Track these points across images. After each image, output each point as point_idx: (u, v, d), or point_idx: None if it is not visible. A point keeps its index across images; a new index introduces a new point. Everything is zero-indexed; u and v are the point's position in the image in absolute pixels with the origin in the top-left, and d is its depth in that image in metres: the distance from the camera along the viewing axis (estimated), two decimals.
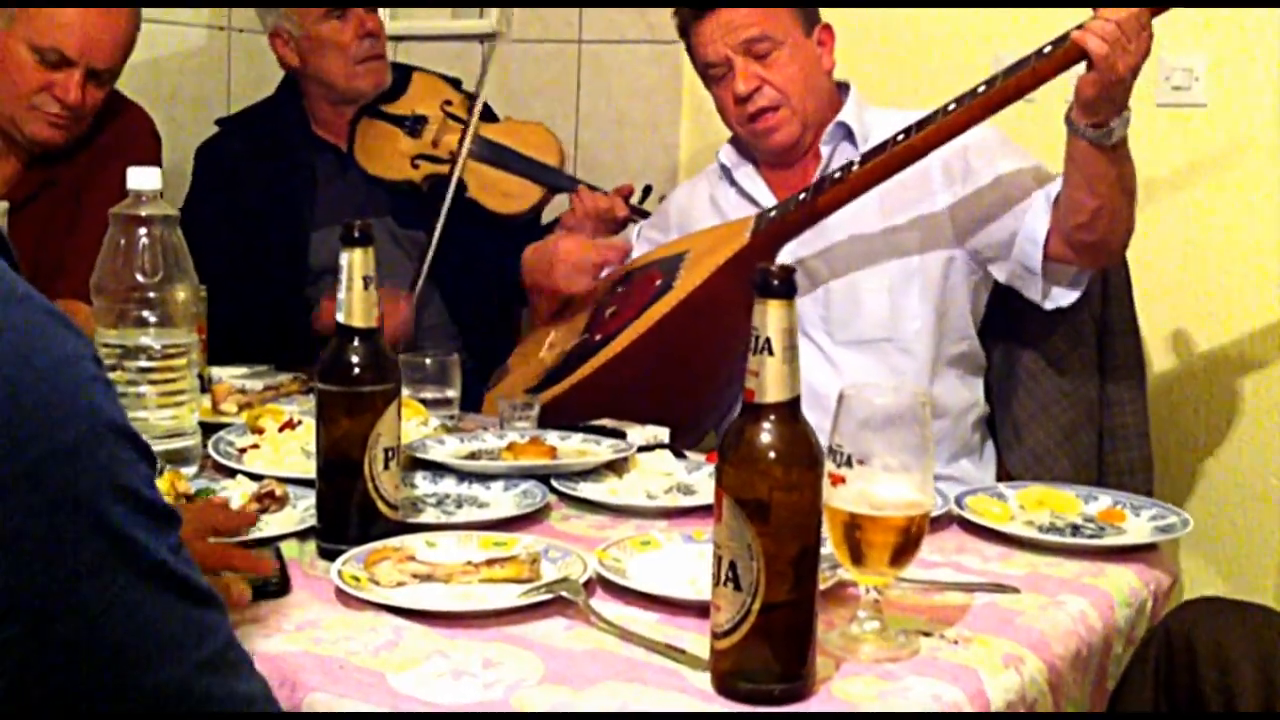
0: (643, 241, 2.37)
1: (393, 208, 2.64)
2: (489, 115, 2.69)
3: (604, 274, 2.29)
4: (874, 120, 2.13)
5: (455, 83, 2.78)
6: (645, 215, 2.49)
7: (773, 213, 2.04)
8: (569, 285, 2.28)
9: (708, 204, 2.27)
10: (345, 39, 2.56)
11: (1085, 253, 1.93)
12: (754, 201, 2.18)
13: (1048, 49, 1.77)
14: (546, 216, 2.68)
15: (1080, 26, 1.73)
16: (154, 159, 2.40)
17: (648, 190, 2.59)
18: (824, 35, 2.14)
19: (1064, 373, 2.10)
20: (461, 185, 2.58)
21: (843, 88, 2.19)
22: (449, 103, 2.70)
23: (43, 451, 0.75)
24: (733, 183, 2.23)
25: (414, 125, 2.66)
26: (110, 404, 0.80)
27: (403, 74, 2.72)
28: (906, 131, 1.89)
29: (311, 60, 2.59)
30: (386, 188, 2.63)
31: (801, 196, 1.99)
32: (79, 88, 2.23)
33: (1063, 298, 1.99)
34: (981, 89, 1.82)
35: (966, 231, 2.04)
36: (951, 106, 1.85)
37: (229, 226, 2.52)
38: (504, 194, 2.61)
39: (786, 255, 2.05)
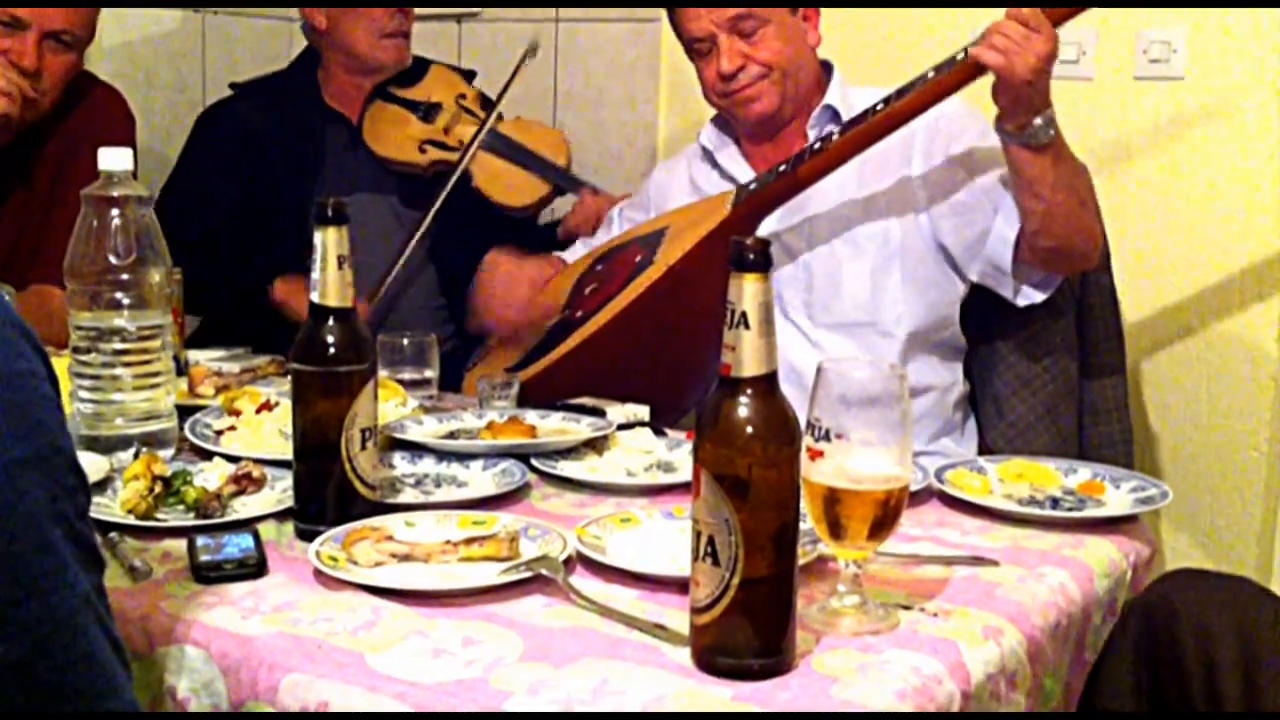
0: (623, 221, 2.36)
1: (399, 186, 2.64)
2: (499, 116, 2.70)
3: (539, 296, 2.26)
4: (857, 99, 2.12)
5: (469, 76, 2.79)
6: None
7: (753, 185, 2.04)
8: (499, 318, 2.25)
9: (687, 184, 2.26)
10: (376, 9, 2.57)
11: (1049, 259, 1.95)
12: (735, 182, 2.17)
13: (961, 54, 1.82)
14: (551, 217, 2.70)
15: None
16: (128, 140, 2.38)
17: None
18: (809, 11, 2.14)
19: (1044, 347, 2.11)
20: (466, 175, 2.58)
21: (826, 68, 2.19)
22: (463, 96, 2.72)
23: None
24: (714, 164, 2.22)
25: (427, 111, 2.66)
26: (59, 427, 0.79)
27: (419, 63, 2.73)
28: (886, 100, 1.90)
29: (341, 25, 2.59)
30: (392, 169, 2.63)
31: (782, 168, 2.00)
32: (34, 52, 2.17)
33: (1034, 295, 2.00)
34: (960, 55, 1.83)
35: (942, 226, 2.04)
36: (930, 74, 1.86)
37: (229, 192, 2.52)
38: (509, 186, 2.61)
39: (768, 238, 2.05)
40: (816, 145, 1.97)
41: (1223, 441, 2.42)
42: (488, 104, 2.66)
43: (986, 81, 1.82)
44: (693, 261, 2.01)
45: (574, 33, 3.08)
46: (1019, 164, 1.85)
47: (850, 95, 2.13)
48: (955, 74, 1.84)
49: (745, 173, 2.16)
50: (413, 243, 2.50)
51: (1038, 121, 1.80)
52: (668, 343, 2.06)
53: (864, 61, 2.57)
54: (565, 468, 1.63)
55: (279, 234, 2.54)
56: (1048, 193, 1.85)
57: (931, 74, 1.86)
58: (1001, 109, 1.82)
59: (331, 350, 1.37)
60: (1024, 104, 1.79)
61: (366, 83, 2.66)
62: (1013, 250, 1.95)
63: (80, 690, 0.79)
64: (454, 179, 2.52)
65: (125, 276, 1.55)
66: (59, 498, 0.78)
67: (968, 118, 2.05)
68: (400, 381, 1.93)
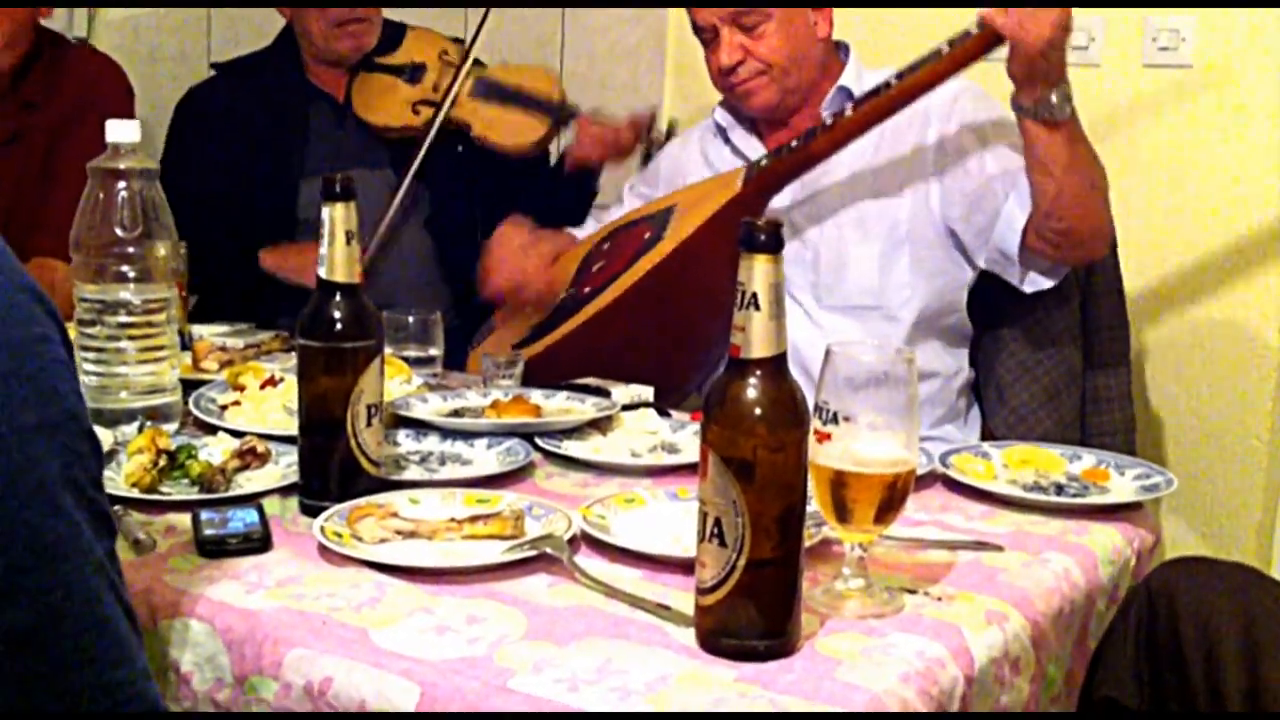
0: (634, 196, 2.36)
1: (391, 160, 2.61)
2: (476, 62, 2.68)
3: (544, 266, 2.24)
4: (871, 82, 2.11)
5: (451, 39, 2.77)
6: (653, 146, 2.48)
7: (763, 162, 2.04)
8: (509, 287, 2.22)
9: (700, 160, 2.26)
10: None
11: (1058, 245, 1.93)
12: (747, 159, 2.17)
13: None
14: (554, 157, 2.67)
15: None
16: (127, 111, 2.37)
17: (670, 132, 2.56)
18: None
19: (1048, 334, 2.10)
20: (465, 130, 2.56)
21: (842, 49, 2.18)
22: (446, 52, 2.68)
23: (4, 429, 0.73)
24: (727, 140, 2.22)
25: (413, 73, 2.64)
26: (72, 392, 0.79)
27: (396, 30, 2.71)
28: (899, 76, 1.90)
29: (299, 16, 2.60)
30: (386, 139, 2.61)
31: (793, 144, 1.99)
32: None
33: (1042, 282, 1.99)
34: (974, 31, 1.82)
35: (952, 211, 2.04)
36: (944, 49, 1.86)
37: (215, 173, 2.51)
38: (510, 129, 2.57)
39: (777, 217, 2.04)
40: (829, 121, 1.96)
41: (1224, 430, 2.42)
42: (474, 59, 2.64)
43: (999, 70, 1.82)
44: (701, 238, 2.01)
45: (580, 17, 3.07)
46: (1032, 140, 1.84)
47: (865, 78, 2.12)
48: (968, 48, 1.83)
49: (758, 151, 2.16)
50: (407, 181, 2.48)
51: (1053, 97, 1.79)
52: (673, 321, 2.05)
53: (879, 45, 2.56)
54: (570, 447, 1.63)
55: (265, 213, 2.53)
56: (1060, 173, 1.84)
57: (945, 49, 1.85)
58: (1015, 79, 1.80)
59: (338, 326, 1.36)
60: (1037, 74, 1.77)
61: (339, 66, 2.64)
62: (1020, 236, 1.94)
63: (93, 657, 0.79)
64: (438, 121, 2.50)
65: (131, 249, 1.55)
66: (72, 464, 0.78)
67: (983, 103, 2.04)
68: (405, 359, 1.93)
